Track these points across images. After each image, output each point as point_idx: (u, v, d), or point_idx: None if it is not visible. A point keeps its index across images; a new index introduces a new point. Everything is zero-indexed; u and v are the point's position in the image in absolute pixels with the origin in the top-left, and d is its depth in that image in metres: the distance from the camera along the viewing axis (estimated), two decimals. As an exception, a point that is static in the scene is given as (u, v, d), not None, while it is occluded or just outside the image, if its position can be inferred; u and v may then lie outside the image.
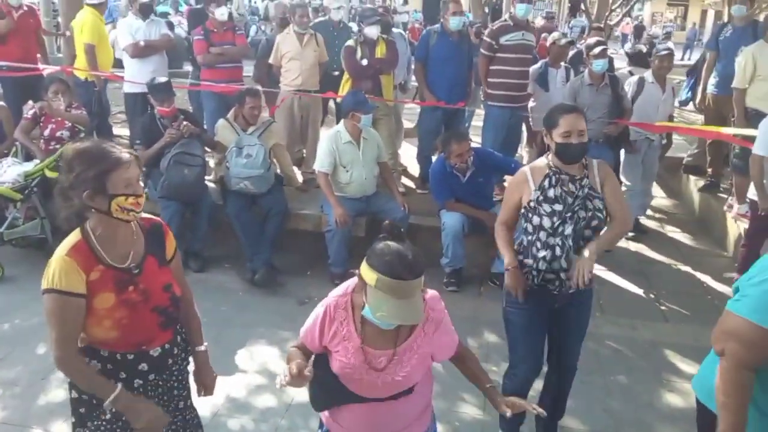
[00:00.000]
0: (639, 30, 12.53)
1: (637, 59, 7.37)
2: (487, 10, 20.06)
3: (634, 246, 6.30)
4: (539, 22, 15.81)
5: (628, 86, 6.19)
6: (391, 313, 2.00)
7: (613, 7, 13.79)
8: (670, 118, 6.43)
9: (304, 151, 6.81)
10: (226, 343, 4.34)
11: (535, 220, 3.05)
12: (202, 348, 2.56)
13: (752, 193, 4.99)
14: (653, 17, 37.41)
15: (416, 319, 2.07)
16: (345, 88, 6.17)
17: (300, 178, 6.40)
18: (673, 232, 6.61)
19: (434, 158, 5.68)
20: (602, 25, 9.32)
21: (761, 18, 7.96)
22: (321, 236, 5.31)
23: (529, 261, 3.11)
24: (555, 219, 3.01)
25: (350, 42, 6.13)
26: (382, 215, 5.31)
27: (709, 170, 7.12)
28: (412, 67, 6.91)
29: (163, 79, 5.56)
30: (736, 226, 5.94)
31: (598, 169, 3.10)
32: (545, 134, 3.06)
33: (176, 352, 2.42)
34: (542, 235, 3.04)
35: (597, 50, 5.82)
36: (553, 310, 3.22)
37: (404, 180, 6.86)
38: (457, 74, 6.17)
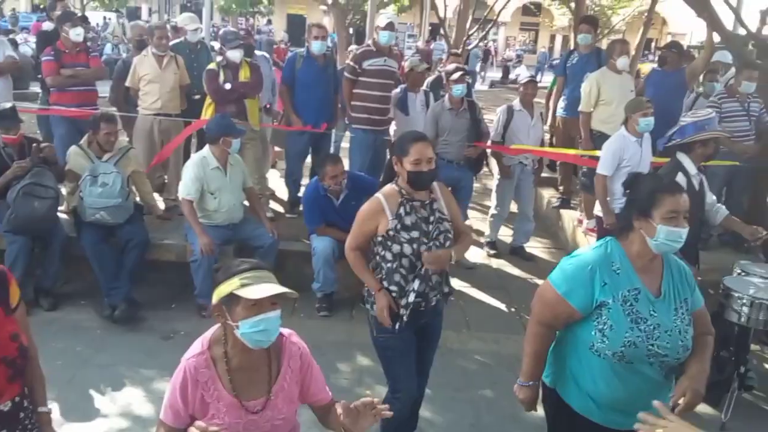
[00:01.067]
0: (486, 54, 13.20)
1: (434, 84, 7.69)
2: (351, 31, 20.46)
3: (495, 263, 6.60)
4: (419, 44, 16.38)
5: (498, 115, 6.49)
6: (263, 291, 2.02)
7: (470, 33, 14.45)
8: (542, 143, 6.80)
9: (166, 177, 6.56)
10: (82, 386, 4.07)
11: (395, 248, 3.12)
12: (45, 409, 2.36)
13: (598, 209, 5.38)
14: (507, 41, 39.64)
15: (285, 288, 2.08)
16: (208, 112, 6.02)
17: (162, 206, 6.15)
18: (531, 248, 6.97)
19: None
20: (460, 51, 9.74)
21: (604, 46, 8.64)
22: (186, 267, 5.11)
23: (393, 288, 3.19)
24: (415, 245, 3.10)
25: (212, 65, 6.00)
26: (250, 242, 5.22)
27: (561, 188, 7.62)
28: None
29: (8, 105, 5.19)
30: (586, 240, 6.37)
31: (441, 192, 3.26)
32: (395, 162, 3.14)
33: (26, 404, 2.24)
34: (405, 261, 3.13)
35: (456, 76, 6.07)
36: (419, 326, 3.33)
37: (273, 204, 6.79)
38: (323, 98, 6.23)
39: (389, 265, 3.16)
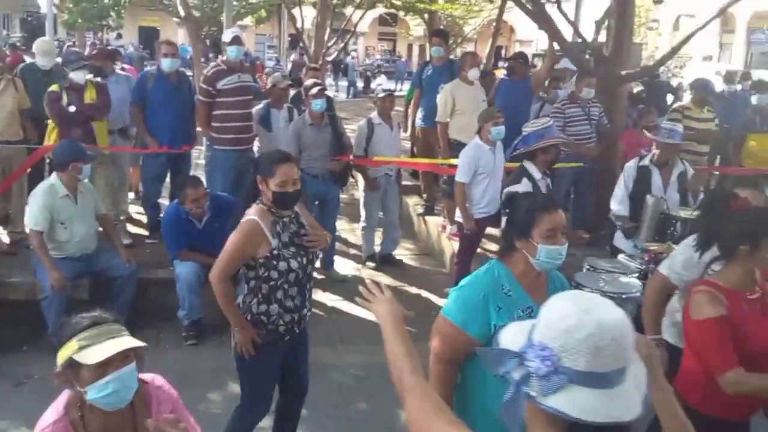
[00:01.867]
0: (337, 65, 13.28)
1: (295, 99, 7.58)
2: (208, 42, 19.97)
3: (366, 273, 6.66)
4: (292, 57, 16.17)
5: (359, 129, 6.55)
6: (104, 351, 1.86)
7: (329, 44, 14.53)
8: (400, 154, 6.94)
9: (9, 208, 6.06)
10: None
11: (282, 265, 3.13)
12: None
13: (458, 215, 5.59)
14: (366, 51, 40.32)
15: (133, 341, 1.94)
16: (52, 137, 5.64)
17: (6, 240, 5.68)
18: (400, 255, 7.11)
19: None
20: (318, 66, 9.77)
21: (459, 54, 8.98)
22: (37, 305, 4.75)
23: (275, 307, 3.18)
24: (298, 259, 3.15)
25: (54, 87, 5.62)
26: (106, 273, 4.94)
27: (424, 195, 7.84)
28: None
29: None
30: (450, 245, 6.59)
31: (298, 207, 3.29)
32: (260, 181, 3.11)
33: None
34: (291, 276, 3.15)
35: (314, 91, 6.07)
36: (289, 346, 3.34)
37: (134, 229, 6.47)
38: (178, 117, 6.02)
39: (273, 283, 3.16)
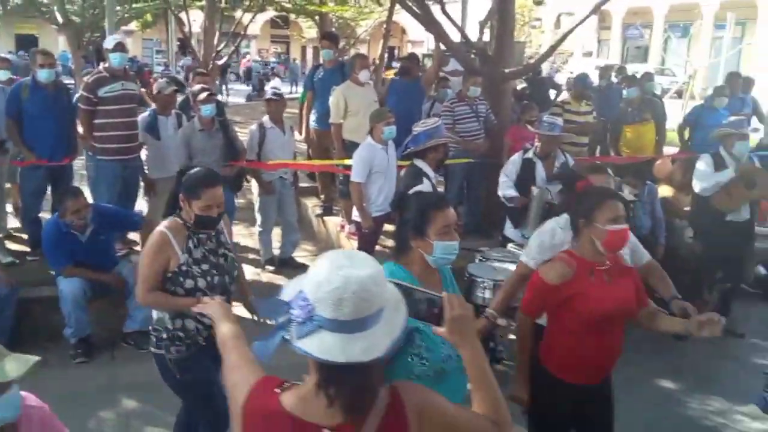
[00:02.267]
0: (223, 68, 13.02)
1: (183, 105, 7.24)
2: (91, 48, 19.08)
3: (266, 277, 6.60)
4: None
5: (251, 134, 6.45)
6: None
7: (218, 48, 14.24)
8: (294, 156, 6.88)
9: None
10: None
11: (189, 283, 3.04)
12: None
13: (356, 214, 5.63)
14: (260, 53, 39.80)
15: (12, 374, 1.89)
16: None
17: None
18: (300, 257, 7.07)
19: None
20: (207, 70, 9.56)
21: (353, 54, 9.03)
22: None
23: (191, 322, 3.11)
24: (208, 278, 3.07)
25: None
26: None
27: (322, 196, 7.84)
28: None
29: None
30: (350, 244, 6.62)
31: (224, 223, 3.23)
32: (182, 200, 3.04)
33: None
34: (199, 296, 3.03)
35: (202, 96, 5.94)
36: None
37: (14, 246, 6.11)
38: (57, 128, 5.73)
39: None
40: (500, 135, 7.09)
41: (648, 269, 3.51)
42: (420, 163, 4.51)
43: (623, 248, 2.87)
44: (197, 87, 6.27)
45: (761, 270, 6.42)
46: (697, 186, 5.45)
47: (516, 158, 5.57)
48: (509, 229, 5.54)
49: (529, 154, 5.51)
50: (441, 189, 7.21)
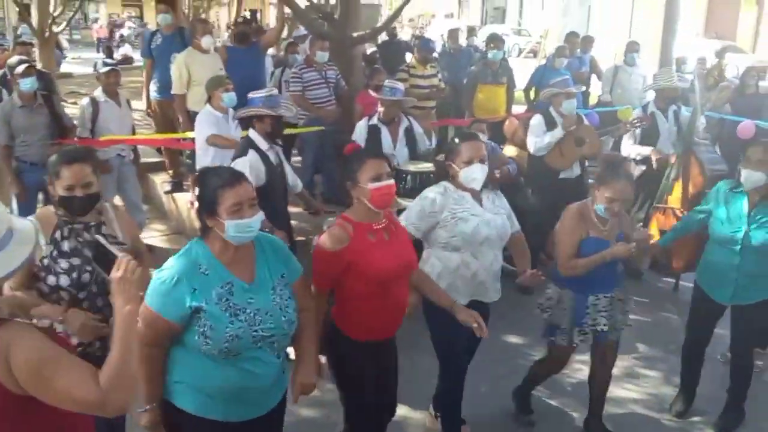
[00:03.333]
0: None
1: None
2: None
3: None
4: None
5: (83, 108, 5.97)
6: None
7: (55, 14, 13.07)
8: (133, 130, 6.46)
9: None
10: None
11: (50, 279, 2.72)
12: None
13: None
14: (110, 18, 37.28)
15: None
16: None
17: None
18: (150, 238, 6.72)
19: None
20: (28, 40, 8.74)
21: (213, 17, 8.56)
22: None
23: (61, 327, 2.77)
24: (74, 275, 2.73)
25: None
26: None
27: (170, 172, 7.45)
28: None
29: None
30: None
31: (116, 214, 2.93)
32: (49, 182, 2.77)
33: None
34: (64, 295, 2.73)
35: (20, 69, 5.41)
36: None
37: None
38: None
39: (48, 299, 2.73)
40: (351, 101, 7.03)
41: (513, 240, 3.57)
42: (252, 134, 4.34)
43: (392, 203, 2.96)
44: (15, 59, 5.72)
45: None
46: (530, 146, 5.65)
47: (362, 125, 5.53)
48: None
49: (374, 120, 5.48)
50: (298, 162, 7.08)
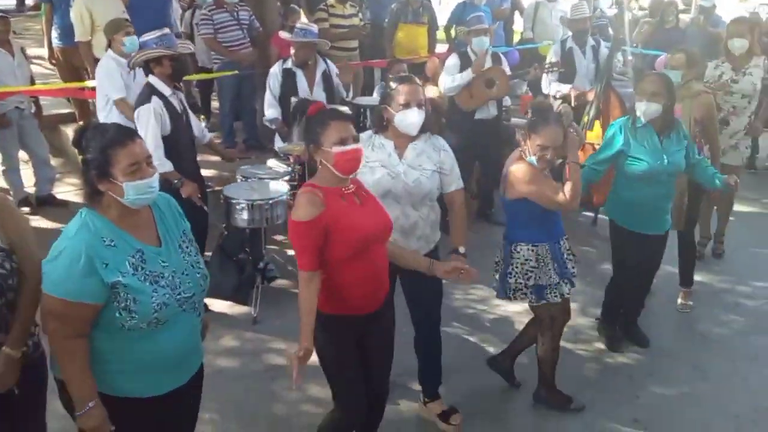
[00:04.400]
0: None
1: None
2: None
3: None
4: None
5: None
6: None
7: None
8: (32, 81, 6.05)
9: None
10: None
11: None
12: None
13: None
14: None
15: None
16: None
17: None
18: (64, 193, 6.40)
19: None
20: None
21: None
22: None
23: None
24: None
25: None
26: None
27: (81, 122, 7.09)
28: None
29: None
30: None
31: None
32: None
33: None
34: None
35: None
36: None
37: None
38: None
39: None
40: (267, 43, 6.77)
41: (447, 201, 3.34)
42: (152, 80, 4.10)
43: (358, 168, 2.70)
44: None
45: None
46: (441, 85, 5.58)
47: (275, 69, 5.33)
48: (279, 143, 5.35)
49: (288, 64, 5.29)
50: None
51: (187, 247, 2.34)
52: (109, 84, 4.85)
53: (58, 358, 2.21)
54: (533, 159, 3.24)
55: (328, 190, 2.59)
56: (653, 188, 3.77)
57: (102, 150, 2.12)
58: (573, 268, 3.48)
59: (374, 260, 2.67)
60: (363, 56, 7.69)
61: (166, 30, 4.20)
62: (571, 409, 3.60)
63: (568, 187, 3.24)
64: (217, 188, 5.29)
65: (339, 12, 7.07)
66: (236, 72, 6.45)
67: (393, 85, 3.17)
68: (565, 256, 3.44)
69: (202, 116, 7.51)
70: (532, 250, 3.35)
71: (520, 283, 3.38)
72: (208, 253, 4.59)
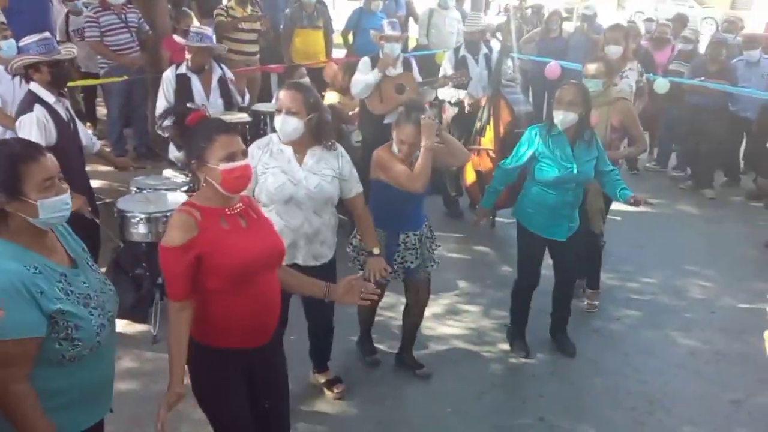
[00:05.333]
0: None
1: None
2: None
3: None
4: None
5: None
6: None
7: None
8: None
9: None
10: None
11: None
12: None
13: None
14: None
15: None
16: None
17: None
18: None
19: None
20: None
21: None
22: None
23: None
24: None
25: None
26: None
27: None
28: None
29: None
30: None
31: None
32: None
33: None
34: None
35: None
36: None
37: None
38: None
39: None
40: (157, 47, 6.51)
41: (350, 205, 3.39)
42: (34, 87, 3.82)
43: (249, 186, 2.51)
44: None
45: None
46: (352, 85, 5.56)
47: (168, 75, 5.11)
48: (173, 152, 5.13)
49: (183, 69, 5.09)
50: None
51: (92, 264, 2.19)
52: None
53: (10, 412, 1.94)
54: (395, 149, 3.58)
55: (209, 210, 2.34)
56: (561, 195, 3.89)
57: (8, 166, 1.92)
58: (411, 263, 3.67)
59: (260, 290, 2.42)
60: (263, 61, 7.55)
61: (47, 34, 3.91)
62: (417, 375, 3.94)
63: (416, 168, 3.48)
64: (108, 200, 5.03)
65: (239, 15, 6.89)
66: (125, 77, 6.15)
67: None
68: (400, 248, 3.64)
69: (89, 123, 7.14)
70: None
71: (353, 256, 3.71)
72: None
